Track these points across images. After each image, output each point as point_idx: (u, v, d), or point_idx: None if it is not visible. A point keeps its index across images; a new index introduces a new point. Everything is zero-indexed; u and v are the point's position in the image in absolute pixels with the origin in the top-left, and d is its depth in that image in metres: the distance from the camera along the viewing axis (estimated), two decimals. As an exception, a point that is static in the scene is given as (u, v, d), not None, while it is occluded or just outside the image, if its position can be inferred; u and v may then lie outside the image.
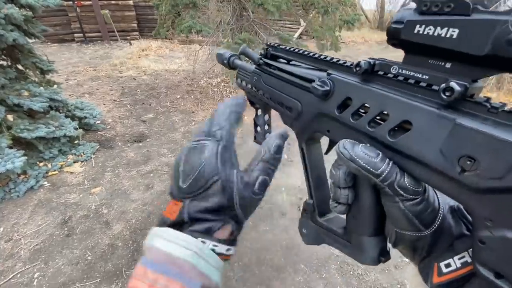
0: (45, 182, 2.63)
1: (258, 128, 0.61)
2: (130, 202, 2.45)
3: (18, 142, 2.58)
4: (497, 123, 0.23)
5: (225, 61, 0.58)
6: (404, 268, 1.89)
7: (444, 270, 0.29)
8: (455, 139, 0.25)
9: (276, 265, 1.93)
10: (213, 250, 0.34)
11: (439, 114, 0.26)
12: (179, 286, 0.31)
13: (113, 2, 8.79)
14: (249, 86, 0.54)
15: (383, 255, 0.36)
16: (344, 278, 1.85)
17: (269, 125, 0.61)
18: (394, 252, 0.37)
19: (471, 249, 0.27)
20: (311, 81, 0.38)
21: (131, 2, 9.07)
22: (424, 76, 0.27)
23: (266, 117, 0.60)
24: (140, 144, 3.39)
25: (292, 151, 3.19)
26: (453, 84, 0.24)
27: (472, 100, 0.25)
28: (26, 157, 2.42)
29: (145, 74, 6.08)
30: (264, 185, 0.39)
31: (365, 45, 10.30)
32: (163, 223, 0.36)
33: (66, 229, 2.17)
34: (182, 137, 3.58)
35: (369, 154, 0.30)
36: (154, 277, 0.31)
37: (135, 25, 9.35)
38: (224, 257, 0.36)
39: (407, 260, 0.35)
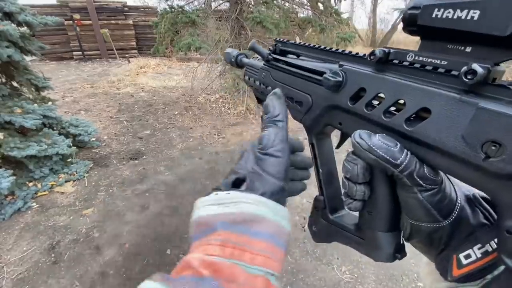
0: (34, 204, 2.48)
1: None
2: (123, 224, 2.30)
3: (7, 161, 2.46)
4: None
5: (233, 60, 0.58)
6: (418, 294, 1.76)
7: (464, 261, 0.29)
8: (478, 124, 0.24)
9: (281, 293, 1.78)
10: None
11: (460, 99, 0.25)
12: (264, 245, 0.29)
13: (113, 21, 8.98)
14: (257, 82, 0.54)
15: (399, 251, 0.35)
16: (355, 307, 1.71)
17: None
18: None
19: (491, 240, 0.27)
20: (322, 73, 0.38)
21: (130, 22, 9.27)
22: (442, 62, 0.26)
23: None
24: (136, 161, 3.27)
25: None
26: (475, 66, 0.23)
27: (495, 84, 0.24)
28: (14, 177, 2.29)
29: (143, 91, 6.06)
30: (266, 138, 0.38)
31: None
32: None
33: (53, 255, 2.01)
34: (180, 153, 3.48)
35: (387, 143, 0.29)
36: (224, 236, 0.29)
37: (134, 43, 9.50)
38: None
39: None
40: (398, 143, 0.29)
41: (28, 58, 2.81)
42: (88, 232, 2.22)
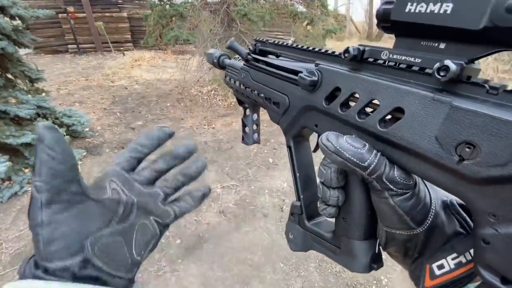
0: (30, 188, 2.64)
1: (247, 129, 0.59)
2: (114, 206, 2.47)
3: (3, 148, 2.60)
4: (498, 105, 0.21)
5: (215, 61, 0.57)
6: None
7: (437, 272, 0.27)
8: (451, 124, 0.22)
9: (255, 264, 1.96)
10: None
11: (433, 97, 0.24)
12: None
13: (107, 14, 8.97)
14: (237, 83, 0.53)
15: (376, 262, 0.34)
16: (322, 276, 1.89)
17: (258, 125, 0.60)
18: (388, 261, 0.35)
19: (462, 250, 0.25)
20: (298, 73, 0.37)
21: (125, 14, 9.26)
22: (416, 60, 0.25)
23: (255, 116, 0.59)
24: (128, 150, 3.42)
25: (278, 155, 3.26)
26: (448, 62, 0.22)
27: (469, 82, 0.23)
28: (11, 163, 2.44)
29: (137, 83, 6.16)
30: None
31: (354, 55, 10.60)
32: None
33: (48, 233, 2.17)
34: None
35: (354, 145, 0.28)
36: None
37: (129, 36, 9.51)
38: None
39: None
40: (366, 144, 0.28)
41: (23, 52, 2.92)
42: (81, 213, 2.38)
